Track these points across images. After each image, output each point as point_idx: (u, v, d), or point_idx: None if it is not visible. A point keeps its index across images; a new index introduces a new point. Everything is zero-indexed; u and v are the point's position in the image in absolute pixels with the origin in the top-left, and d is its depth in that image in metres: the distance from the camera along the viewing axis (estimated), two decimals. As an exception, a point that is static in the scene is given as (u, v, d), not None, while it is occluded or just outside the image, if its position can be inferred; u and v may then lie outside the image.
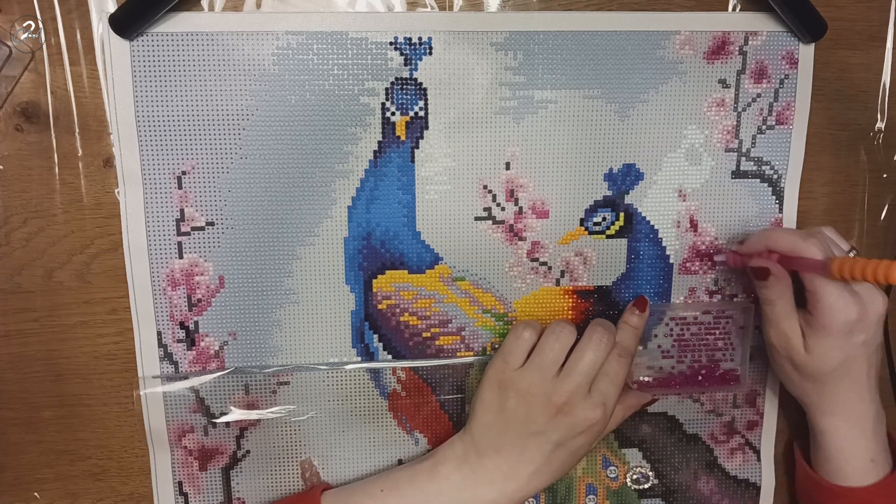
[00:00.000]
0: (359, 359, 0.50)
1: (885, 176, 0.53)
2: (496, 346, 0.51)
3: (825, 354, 0.44)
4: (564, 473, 0.47)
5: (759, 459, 0.55)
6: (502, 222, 0.49)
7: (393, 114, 0.47)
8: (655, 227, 0.51)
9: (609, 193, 0.50)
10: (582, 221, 0.50)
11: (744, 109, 0.49)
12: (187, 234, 0.47)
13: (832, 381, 0.46)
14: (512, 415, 0.45)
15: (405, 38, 0.46)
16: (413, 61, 0.46)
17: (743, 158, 0.50)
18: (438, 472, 0.46)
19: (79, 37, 0.44)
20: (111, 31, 0.43)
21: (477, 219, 0.49)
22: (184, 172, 0.46)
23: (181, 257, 0.47)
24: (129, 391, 0.49)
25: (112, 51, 0.44)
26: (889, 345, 0.54)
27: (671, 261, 0.51)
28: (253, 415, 0.50)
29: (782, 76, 0.49)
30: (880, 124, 0.52)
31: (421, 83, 0.47)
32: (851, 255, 0.45)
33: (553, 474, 0.46)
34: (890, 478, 0.47)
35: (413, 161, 0.48)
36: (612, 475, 0.54)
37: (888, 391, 0.55)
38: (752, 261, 0.46)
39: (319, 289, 0.49)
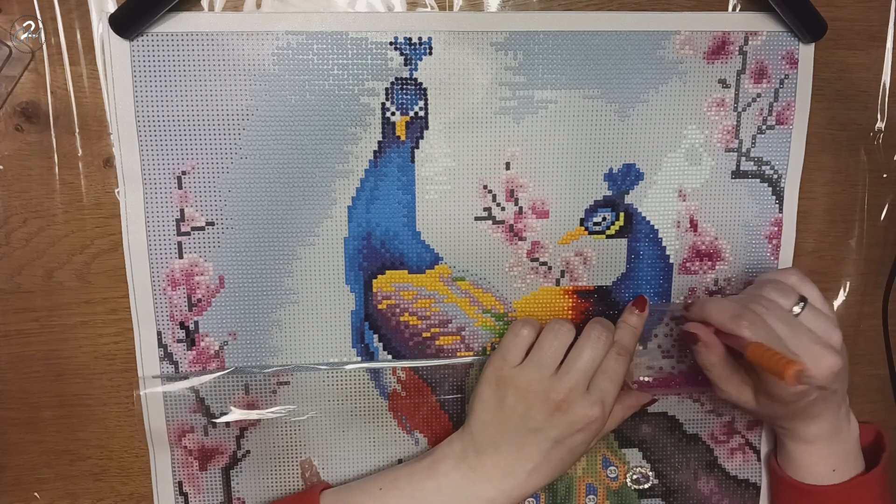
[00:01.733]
0: (359, 359, 0.50)
1: (885, 176, 0.53)
2: (496, 345, 0.51)
3: (775, 410, 0.45)
4: (563, 472, 0.47)
5: (759, 459, 0.55)
6: (502, 222, 0.49)
7: (393, 114, 0.47)
8: (655, 227, 0.51)
9: (609, 193, 0.50)
10: (582, 221, 0.50)
11: (744, 109, 0.49)
12: (187, 234, 0.47)
13: (785, 420, 0.47)
14: (510, 412, 0.45)
15: (405, 38, 0.46)
16: (413, 61, 0.46)
17: (743, 158, 0.50)
18: (437, 471, 0.46)
19: (79, 37, 0.44)
20: (111, 31, 0.43)
21: (477, 219, 0.49)
22: (184, 172, 0.46)
23: (181, 257, 0.47)
24: (129, 391, 0.49)
25: (112, 51, 0.44)
26: (889, 345, 0.54)
27: (671, 261, 0.51)
28: (253, 415, 0.50)
29: (782, 76, 0.49)
30: (880, 124, 0.52)
31: (421, 83, 0.47)
32: (797, 308, 0.44)
33: (552, 472, 0.46)
34: (854, 480, 0.48)
35: (413, 161, 0.48)
36: (612, 475, 0.54)
37: (888, 391, 0.55)
38: (687, 325, 0.46)
39: (319, 289, 0.49)
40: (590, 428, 0.45)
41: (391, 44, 0.46)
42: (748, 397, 0.46)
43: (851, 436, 0.48)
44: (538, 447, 0.45)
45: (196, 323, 0.48)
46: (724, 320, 0.43)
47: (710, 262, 0.52)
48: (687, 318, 0.48)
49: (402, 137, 0.47)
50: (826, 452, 0.48)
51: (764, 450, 0.55)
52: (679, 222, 0.51)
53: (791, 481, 0.49)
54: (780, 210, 0.51)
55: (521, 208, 0.49)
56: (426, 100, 0.47)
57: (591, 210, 0.50)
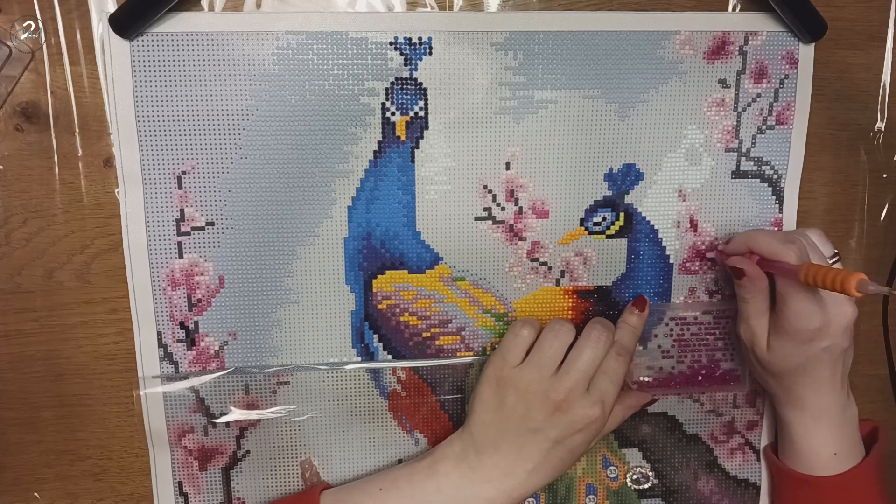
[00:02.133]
0: (359, 359, 0.50)
1: (885, 176, 0.53)
2: (496, 346, 0.51)
3: (785, 356, 0.45)
4: (563, 472, 0.47)
5: (758, 459, 0.55)
6: (502, 222, 0.49)
7: (393, 114, 0.47)
8: (655, 227, 0.51)
9: (609, 193, 0.50)
10: (582, 221, 0.50)
11: (744, 109, 0.49)
12: (187, 234, 0.47)
13: (791, 377, 0.47)
14: (510, 412, 0.45)
15: (405, 38, 0.46)
16: (413, 61, 0.46)
17: (743, 158, 0.50)
18: (437, 471, 0.46)
19: (79, 37, 0.44)
20: (111, 31, 0.43)
21: (477, 219, 0.49)
22: (184, 172, 0.46)
23: (181, 257, 0.47)
24: (129, 391, 0.49)
25: (112, 51, 0.44)
26: (889, 345, 0.54)
27: (671, 261, 0.51)
28: (253, 415, 0.50)
29: (782, 76, 0.49)
30: (880, 124, 0.52)
31: (421, 83, 0.47)
32: (832, 261, 0.46)
33: (552, 472, 0.46)
34: (852, 471, 0.48)
35: (413, 161, 0.48)
36: (612, 475, 0.54)
37: (888, 391, 0.55)
38: (731, 259, 0.47)
39: (319, 289, 0.49)
40: (590, 428, 0.45)
41: (391, 44, 0.46)
42: (762, 340, 0.46)
43: (853, 420, 0.49)
44: (538, 447, 0.45)
45: (196, 323, 0.48)
46: (773, 247, 0.44)
47: (710, 262, 0.52)
48: (727, 252, 0.48)
49: (402, 137, 0.47)
50: (829, 432, 0.48)
51: (764, 450, 0.55)
52: (679, 222, 0.51)
53: (789, 472, 0.50)
54: (780, 210, 0.51)
55: (521, 208, 0.49)
56: (426, 100, 0.47)
57: (591, 210, 0.50)
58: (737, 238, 0.47)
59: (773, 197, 0.51)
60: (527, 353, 0.47)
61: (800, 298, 0.43)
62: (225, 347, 0.49)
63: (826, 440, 0.48)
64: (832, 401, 0.47)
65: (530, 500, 0.54)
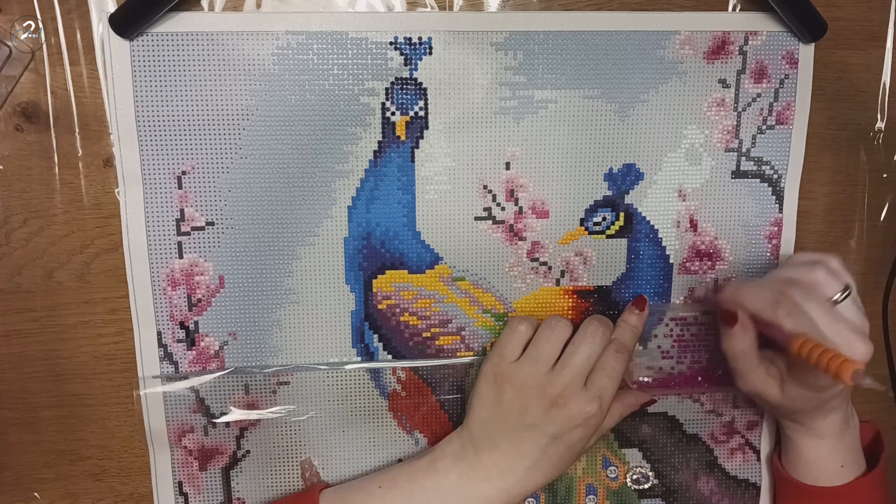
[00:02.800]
0: (359, 359, 0.50)
1: (885, 176, 0.53)
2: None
3: (804, 400, 0.45)
4: (563, 470, 0.47)
5: (758, 459, 0.55)
6: (502, 222, 0.49)
7: (393, 114, 0.47)
8: (655, 226, 0.51)
9: (609, 193, 0.50)
10: (582, 221, 0.50)
11: (744, 109, 0.49)
12: (187, 234, 0.47)
13: (804, 413, 0.46)
14: (508, 408, 0.45)
15: (405, 38, 0.46)
16: (413, 61, 0.46)
17: (743, 158, 0.50)
18: (436, 469, 0.46)
19: (79, 37, 0.44)
20: (111, 31, 0.43)
21: (477, 219, 0.49)
22: (184, 172, 0.46)
23: (181, 257, 0.47)
24: (129, 391, 0.49)
25: (112, 51, 0.44)
26: (889, 345, 0.54)
27: (671, 261, 0.51)
28: (253, 415, 0.50)
29: (782, 76, 0.49)
30: (880, 124, 0.52)
31: (421, 83, 0.47)
32: (841, 296, 0.42)
33: (551, 470, 0.46)
34: (860, 479, 0.48)
35: (413, 161, 0.48)
36: (612, 475, 0.54)
37: (888, 391, 0.55)
38: (723, 303, 0.46)
39: (319, 289, 0.49)
40: (587, 424, 0.45)
41: (391, 44, 0.46)
42: (774, 389, 0.45)
43: (856, 430, 0.49)
44: (536, 443, 0.45)
45: (196, 323, 0.48)
46: (763, 308, 0.42)
47: (710, 262, 0.52)
48: (717, 302, 0.47)
49: (402, 137, 0.47)
50: (836, 448, 0.48)
51: (764, 450, 0.55)
52: (679, 222, 0.51)
53: (797, 483, 0.49)
54: (780, 210, 0.51)
55: (521, 208, 0.49)
56: (426, 100, 0.47)
57: (591, 210, 0.50)
58: (727, 289, 0.46)
59: (773, 197, 0.51)
60: (524, 350, 0.47)
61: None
62: (225, 347, 0.49)
63: (833, 454, 0.48)
64: (839, 420, 0.47)
65: (530, 500, 0.54)
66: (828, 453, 0.48)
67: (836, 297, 0.42)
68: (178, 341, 0.49)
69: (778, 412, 0.48)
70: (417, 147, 0.48)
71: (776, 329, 0.42)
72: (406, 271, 0.49)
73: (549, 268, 0.50)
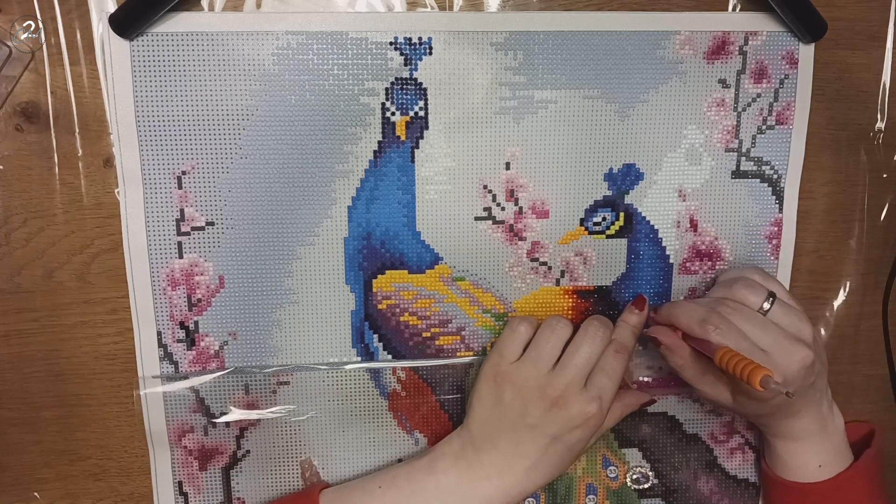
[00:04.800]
0: (359, 359, 0.50)
1: (885, 176, 0.53)
2: (496, 345, 0.51)
3: (752, 407, 0.45)
4: (562, 470, 0.47)
5: (758, 459, 0.55)
6: (502, 222, 0.49)
7: (393, 114, 0.47)
8: (655, 227, 0.51)
9: (609, 193, 0.50)
10: (582, 221, 0.50)
11: (744, 109, 0.49)
12: (187, 234, 0.47)
13: (765, 418, 0.47)
14: (508, 408, 0.45)
15: (405, 38, 0.46)
16: (413, 61, 0.46)
17: (743, 158, 0.50)
18: (436, 469, 0.46)
19: (79, 37, 0.44)
20: (111, 31, 0.43)
21: (477, 219, 0.49)
22: (184, 172, 0.46)
23: (181, 257, 0.47)
24: (129, 391, 0.49)
25: (112, 51, 0.44)
26: (889, 345, 0.54)
27: (671, 261, 0.51)
28: (253, 415, 0.50)
29: (782, 76, 0.49)
30: (880, 124, 0.52)
31: (421, 83, 0.47)
32: (766, 305, 0.44)
33: (550, 470, 0.46)
34: (840, 476, 0.48)
35: (413, 161, 0.48)
36: (612, 475, 0.54)
37: (888, 391, 0.55)
38: (651, 329, 0.47)
39: (319, 289, 0.49)
40: (587, 424, 0.45)
41: (391, 44, 0.46)
42: (725, 396, 0.46)
43: (837, 430, 0.49)
44: (535, 443, 0.45)
45: (196, 323, 0.48)
46: (691, 325, 0.44)
47: (710, 262, 0.52)
48: (655, 321, 0.48)
49: (402, 137, 0.47)
50: (812, 448, 0.48)
51: (764, 450, 0.55)
52: (679, 222, 0.51)
53: (778, 479, 0.50)
54: (780, 210, 0.51)
55: (521, 208, 0.49)
56: (426, 100, 0.47)
57: (591, 210, 0.50)
58: (662, 308, 0.47)
59: (773, 197, 0.51)
60: (524, 350, 0.47)
61: None
62: (225, 347, 0.49)
63: (809, 455, 0.48)
64: (810, 422, 0.47)
65: (530, 499, 0.54)
66: (803, 455, 0.48)
67: (764, 307, 0.44)
68: (178, 341, 0.49)
69: (744, 417, 0.49)
70: (417, 147, 0.48)
71: (706, 344, 0.43)
72: (406, 271, 0.49)
73: (549, 268, 0.50)
